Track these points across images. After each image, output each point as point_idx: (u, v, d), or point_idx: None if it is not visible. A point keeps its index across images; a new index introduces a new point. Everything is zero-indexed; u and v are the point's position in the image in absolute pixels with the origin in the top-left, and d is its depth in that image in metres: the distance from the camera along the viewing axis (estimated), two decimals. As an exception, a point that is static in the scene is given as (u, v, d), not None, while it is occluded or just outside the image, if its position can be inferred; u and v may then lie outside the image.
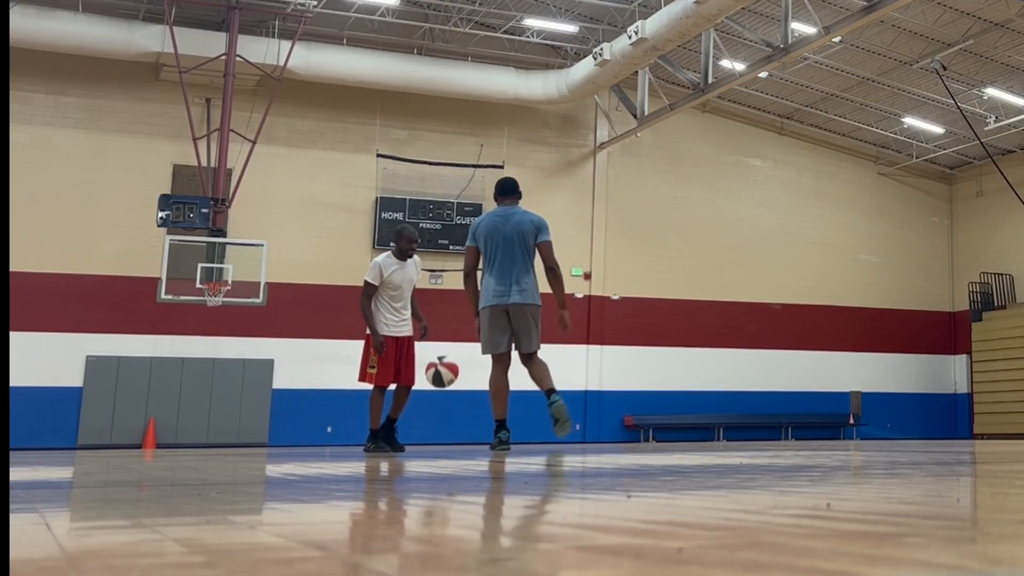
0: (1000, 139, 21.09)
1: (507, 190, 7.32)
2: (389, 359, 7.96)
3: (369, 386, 8.10)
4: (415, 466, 4.98)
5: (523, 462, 5.05)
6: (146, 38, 16.81)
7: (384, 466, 4.99)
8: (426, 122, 19.52)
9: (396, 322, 7.99)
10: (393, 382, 8.07)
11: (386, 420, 8.06)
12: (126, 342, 17.24)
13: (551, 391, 7.02)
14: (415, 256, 8.22)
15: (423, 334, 8.14)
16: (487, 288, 7.07)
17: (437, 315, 8.35)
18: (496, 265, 7.03)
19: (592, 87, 18.50)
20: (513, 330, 7.07)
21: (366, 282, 8.01)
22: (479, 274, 7.28)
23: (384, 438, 7.96)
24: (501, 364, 7.13)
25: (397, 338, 8.00)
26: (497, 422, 7.09)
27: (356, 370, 8.18)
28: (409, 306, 8.14)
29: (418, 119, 19.47)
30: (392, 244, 8.40)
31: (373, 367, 7.94)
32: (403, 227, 8.43)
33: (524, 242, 7.06)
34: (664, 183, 21.11)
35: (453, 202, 19.24)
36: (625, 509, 2.12)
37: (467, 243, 7.22)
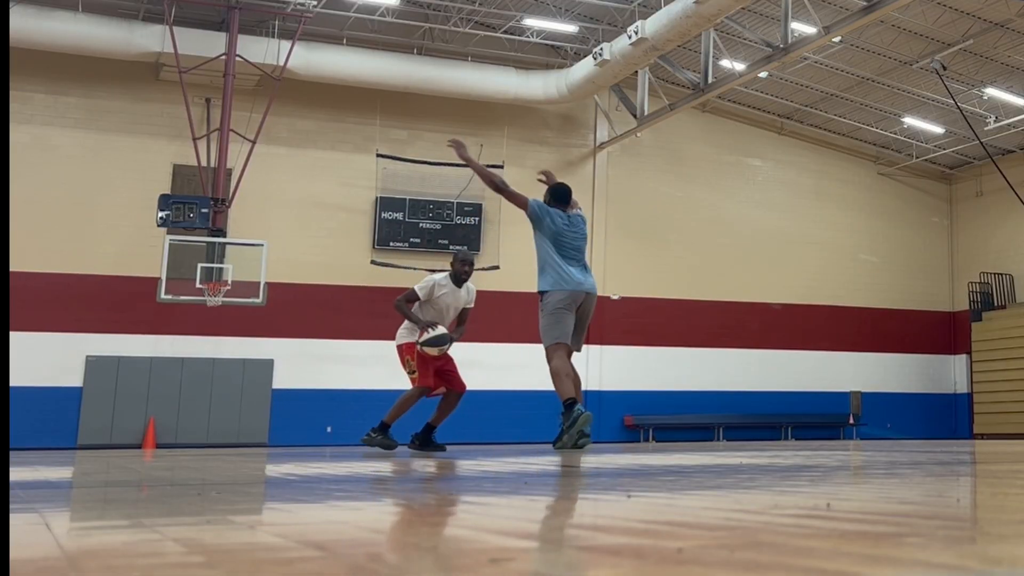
0: (1000, 139, 21.09)
1: (565, 197, 7.63)
2: (428, 363, 7.92)
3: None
4: (415, 466, 4.98)
5: (523, 462, 5.05)
6: (146, 38, 16.81)
7: (384, 466, 4.99)
8: (426, 122, 19.51)
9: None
10: (439, 386, 8.06)
11: (425, 426, 8.07)
12: (126, 342, 17.24)
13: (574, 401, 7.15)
14: (470, 284, 8.18)
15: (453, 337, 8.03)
16: (569, 273, 7.17)
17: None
18: (569, 256, 7.29)
19: (592, 87, 18.50)
20: (576, 320, 7.22)
21: (412, 290, 7.98)
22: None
23: (422, 443, 7.98)
24: (564, 351, 7.16)
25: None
26: (571, 401, 7.01)
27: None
28: (444, 328, 8.04)
29: (418, 119, 19.46)
30: (451, 267, 8.25)
31: (413, 371, 7.92)
32: (462, 251, 8.44)
33: (583, 245, 7.54)
34: (664, 183, 21.11)
35: (453, 202, 19.23)
36: (625, 509, 2.12)
37: (532, 198, 7.40)
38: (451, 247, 18.85)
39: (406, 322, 8.03)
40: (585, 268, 7.38)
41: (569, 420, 6.95)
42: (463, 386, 8.15)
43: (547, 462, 5.02)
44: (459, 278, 8.05)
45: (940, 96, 19.63)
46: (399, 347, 8.04)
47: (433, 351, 7.80)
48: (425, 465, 5.01)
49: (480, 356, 15.82)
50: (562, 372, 7.05)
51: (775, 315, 21.51)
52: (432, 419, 8.11)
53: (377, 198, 18.86)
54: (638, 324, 20.33)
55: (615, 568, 1.16)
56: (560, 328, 7.11)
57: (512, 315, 17.80)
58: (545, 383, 7.62)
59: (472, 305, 8.25)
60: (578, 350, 7.33)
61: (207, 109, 17.95)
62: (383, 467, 4.89)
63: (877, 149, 23.00)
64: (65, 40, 16.50)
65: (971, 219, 23.18)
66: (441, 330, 7.84)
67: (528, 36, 19.05)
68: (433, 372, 7.97)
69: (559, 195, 7.60)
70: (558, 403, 7.21)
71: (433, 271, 8.41)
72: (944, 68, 17.84)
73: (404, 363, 7.99)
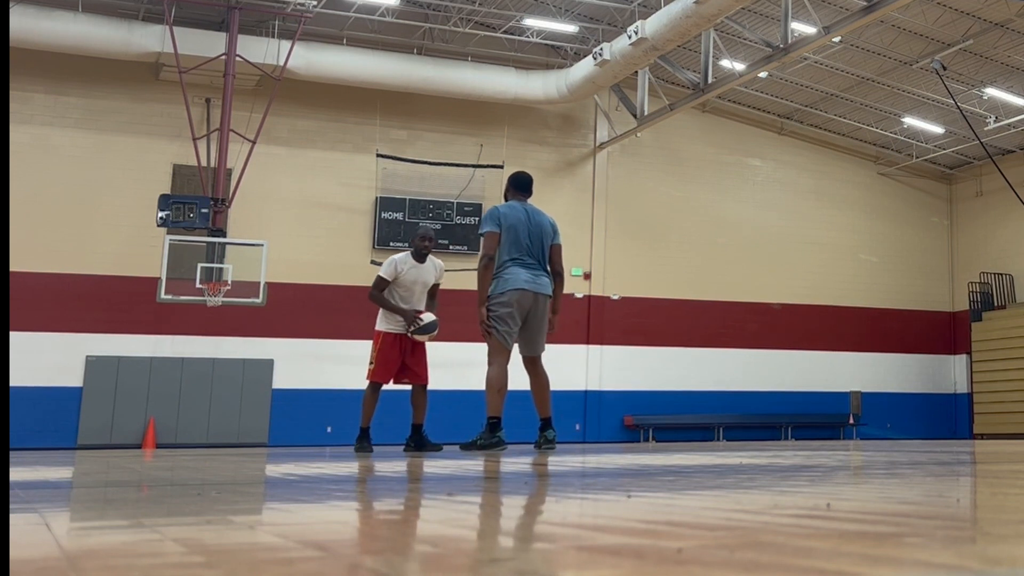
0: (1000, 139, 21.09)
1: (525, 185, 7.25)
2: (390, 357, 7.96)
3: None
4: (415, 467, 4.98)
5: (523, 462, 5.05)
6: (146, 38, 16.81)
7: (384, 467, 4.99)
8: (426, 122, 19.52)
9: (400, 321, 7.99)
10: (398, 381, 8.09)
11: (412, 428, 8.08)
12: (126, 342, 17.24)
13: (549, 420, 6.95)
14: (437, 260, 8.24)
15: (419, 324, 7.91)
16: (515, 275, 6.80)
17: (438, 314, 8.28)
18: (524, 257, 6.89)
19: (592, 87, 18.49)
20: (526, 323, 6.86)
21: (378, 276, 8.03)
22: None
23: (417, 444, 8.00)
24: (504, 359, 6.84)
25: (400, 336, 7.99)
26: (496, 420, 6.80)
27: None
28: (420, 307, 8.08)
29: (418, 119, 19.47)
30: (410, 244, 8.37)
31: (372, 363, 7.97)
32: (421, 226, 8.50)
33: (543, 241, 7.01)
34: (664, 183, 21.11)
35: (453, 202, 19.24)
36: (625, 509, 2.12)
37: (489, 228, 6.87)
38: (451, 247, 18.85)
39: (382, 309, 8.06)
40: (538, 268, 6.94)
41: (486, 440, 6.74)
42: (424, 379, 8.12)
43: (547, 462, 5.02)
44: (420, 253, 8.10)
45: (940, 96, 19.63)
46: (374, 333, 8.09)
47: (424, 338, 7.87)
48: (424, 465, 5.01)
49: (479, 356, 15.82)
50: (495, 384, 6.76)
51: (775, 315, 21.51)
52: (414, 419, 8.10)
53: (377, 198, 18.86)
54: (638, 324, 20.34)
55: (615, 568, 1.16)
56: (508, 329, 6.77)
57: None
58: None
59: (441, 281, 8.28)
60: (537, 353, 6.99)
61: (207, 109, 17.95)
62: (383, 467, 4.89)
63: (877, 149, 23.00)
64: (65, 40, 16.50)
65: (971, 219, 23.17)
66: (429, 317, 7.89)
67: (528, 36, 19.05)
68: (394, 367, 7.99)
69: (520, 184, 7.25)
70: (553, 405, 7.10)
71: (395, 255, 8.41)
72: (944, 68, 17.83)
73: (372, 350, 8.04)
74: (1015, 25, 17.38)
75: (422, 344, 8.11)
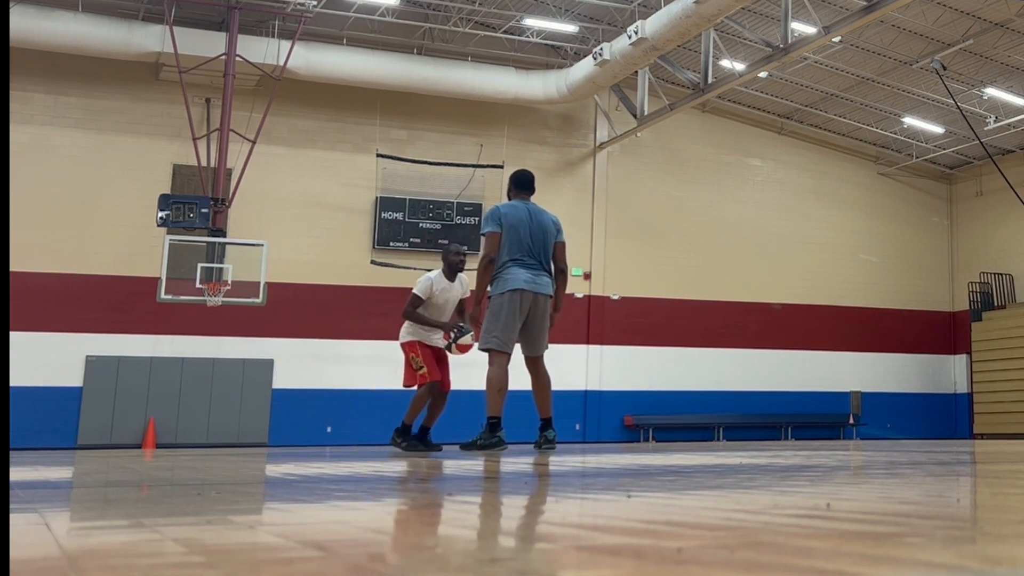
0: (1000, 139, 21.09)
1: (526, 184, 7.24)
2: (431, 357, 8.04)
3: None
4: (415, 467, 4.98)
5: (523, 462, 5.05)
6: (146, 38, 16.81)
7: (384, 467, 4.99)
8: (426, 122, 19.52)
9: (431, 335, 8.10)
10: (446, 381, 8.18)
11: (420, 428, 8.13)
12: (126, 342, 17.24)
13: (550, 420, 6.97)
14: (463, 276, 8.27)
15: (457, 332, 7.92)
16: (514, 275, 6.79)
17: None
18: (525, 257, 6.87)
19: (592, 87, 18.49)
20: (527, 323, 6.86)
21: (415, 295, 8.04)
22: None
23: (419, 444, 8.06)
24: (505, 359, 6.86)
25: (434, 347, 8.10)
26: (496, 420, 6.83)
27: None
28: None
29: (418, 119, 19.46)
30: (443, 262, 8.32)
31: (422, 368, 7.97)
32: (449, 243, 8.55)
33: (546, 240, 7.00)
34: (664, 183, 21.11)
35: (453, 202, 19.24)
36: (625, 509, 2.12)
37: (491, 228, 6.87)
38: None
39: (408, 322, 8.10)
40: (539, 268, 6.92)
41: (486, 440, 6.77)
42: (448, 387, 8.23)
43: (547, 462, 5.02)
44: (454, 269, 8.14)
45: (940, 96, 19.63)
46: (403, 345, 8.13)
47: (467, 340, 7.82)
48: (424, 465, 5.01)
49: (479, 356, 15.82)
50: (496, 384, 6.76)
51: (775, 315, 21.51)
52: (425, 421, 8.20)
53: (377, 198, 18.86)
54: (638, 324, 20.33)
55: (615, 568, 1.16)
56: (506, 330, 6.76)
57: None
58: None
59: (467, 295, 8.30)
60: (538, 353, 7.00)
61: (207, 109, 17.95)
62: (383, 467, 4.89)
63: (877, 149, 23.00)
64: (65, 40, 16.50)
65: (971, 219, 23.17)
66: (461, 324, 7.95)
67: (528, 36, 19.05)
68: (440, 368, 8.10)
69: (521, 182, 7.23)
70: (553, 405, 7.11)
71: (428, 271, 8.48)
72: (944, 68, 17.83)
73: (410, 361, 8.07)
74: (1015, 25, 17.38)
75: (447, 356, 8.19)
